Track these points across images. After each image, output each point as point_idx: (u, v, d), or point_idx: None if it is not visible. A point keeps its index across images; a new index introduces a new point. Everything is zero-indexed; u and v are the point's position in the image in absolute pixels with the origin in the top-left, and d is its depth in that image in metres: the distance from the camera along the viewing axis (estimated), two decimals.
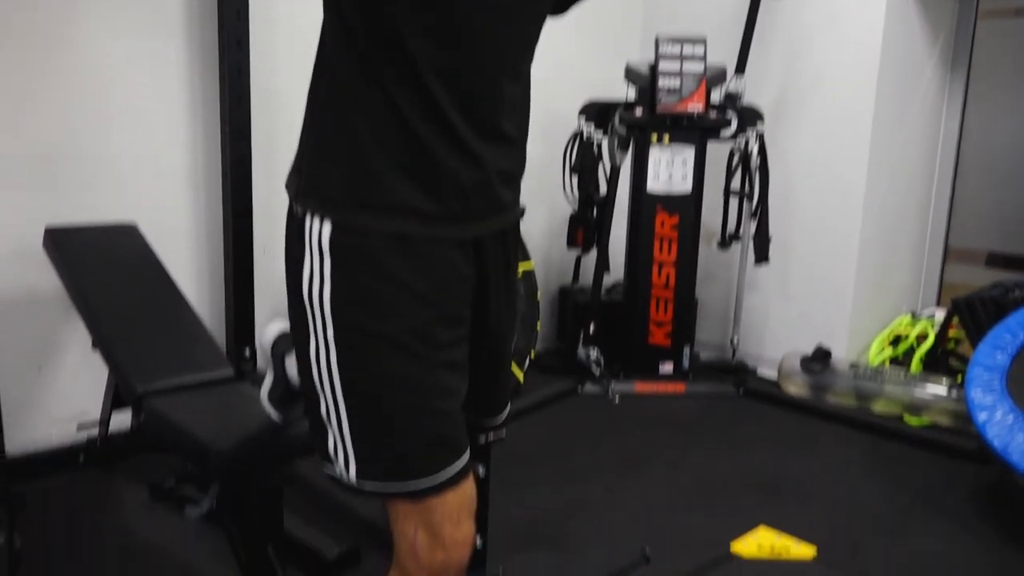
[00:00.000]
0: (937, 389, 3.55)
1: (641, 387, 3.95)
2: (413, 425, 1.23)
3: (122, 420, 2.91)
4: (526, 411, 3.64)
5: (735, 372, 4.13)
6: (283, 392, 1.99)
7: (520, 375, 3.77)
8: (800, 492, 2.96)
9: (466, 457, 1.27)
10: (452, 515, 1.24)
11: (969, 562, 2.49)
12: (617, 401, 3.85)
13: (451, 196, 1.23)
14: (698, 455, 3.28)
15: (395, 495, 1.23)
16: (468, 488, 1.27)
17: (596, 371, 3.97)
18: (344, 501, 2.78)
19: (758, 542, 2.50)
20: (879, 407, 3.67)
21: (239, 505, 2.07)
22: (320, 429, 1.26)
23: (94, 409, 2.90)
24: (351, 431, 1.23)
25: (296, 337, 1.28)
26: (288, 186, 1.31)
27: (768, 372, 4.17)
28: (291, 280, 1.26)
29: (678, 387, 3.97)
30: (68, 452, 2.90)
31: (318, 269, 1.22)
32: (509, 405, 1.58)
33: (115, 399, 2.67)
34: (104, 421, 2.77)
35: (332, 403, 1.24)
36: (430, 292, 1.23)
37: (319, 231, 1.21)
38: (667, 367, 4.02)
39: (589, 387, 3.94)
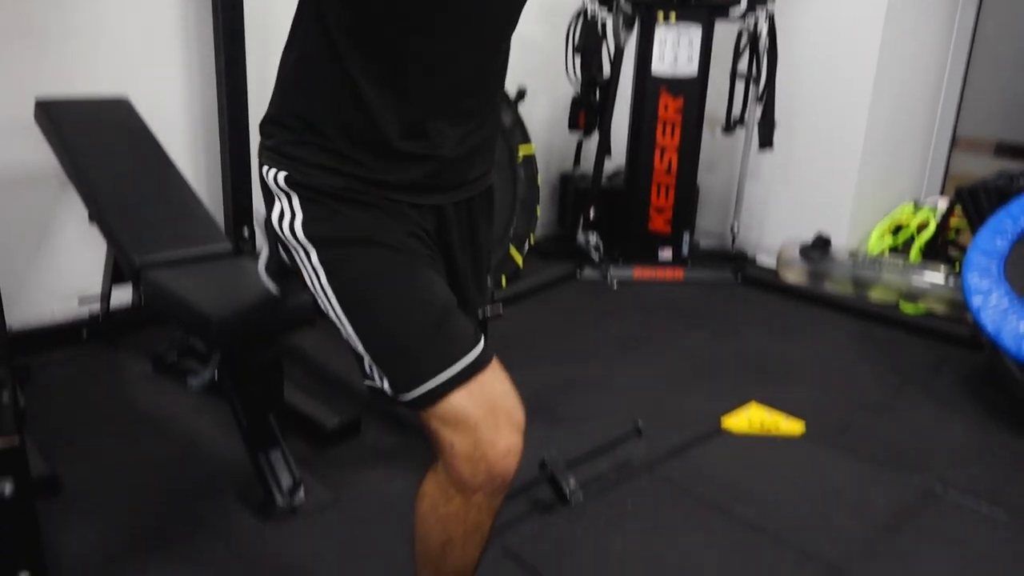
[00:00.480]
0: (935, 277, 3.56)
1: (640, 273, 3.97)
2: (408, 316, 1.23)
3: (123, 296, 2.94)
4: (524, 295, 3.67)
5: (734, 260, 4.14)
6: (278, 265, 2.00)
7: (519, 259, 3.78)
8: (792, 373, 3.02)
9: (478, 351, 1.22)
10: (487, 420, 1.19)
11: (953, 440, 2.56)
12: (615, 286, 3.87)
13: (406, 171, 1.27)
14: (693, 338, 3.33)
15: (422, 403, 1.21)
16: (496, 388, 1.22)
17: (595, 256, 3.98)
18: (345, 376, 2.84)
19: (748, 418, 2.56)
20: (876, 295, 3.69)
21: (240, 375, 2.11)
22: (355, 352, 1.29)
23: (95, 284, 2.93)
24: (365, 346, 1.25)
25: (300, 279, 1.33)
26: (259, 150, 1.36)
27: (767, 260, 4.18)
28: (273, 228, 1.32)
29: (676, 273, 3.98)
30: (70, 327, 2.94)
31: (287, 205, 1.28)
32: None
33: (115, 273, 2.70)
34: (105, 296, 2.80)
35: (342, 324, 1.27)
36: (391, 219, 1.27)
37: (276, 175, 1.29)
38: (666, 253, 4.03)
39: (588, 272, 3.96)
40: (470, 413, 1.20)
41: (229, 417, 2.31)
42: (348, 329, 1.26)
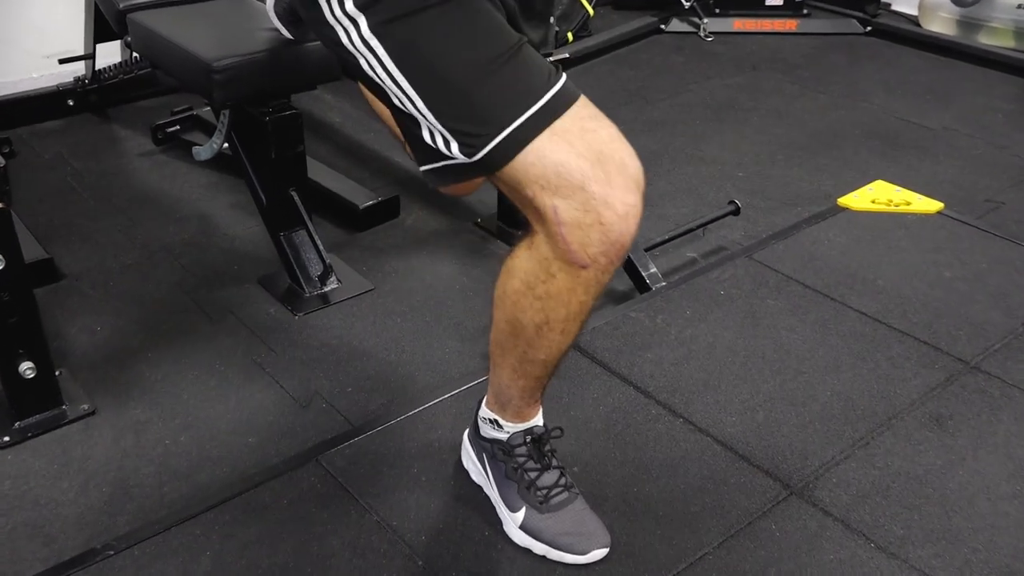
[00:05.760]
0: None
1: (741, 24, 3.79)
2: (473, 49, 1.15)
3: (111, 56, 2.92)
4: (597, 52, 3.55)
5: (862, 5, 3.91)
6: (288, 4, 1.93)
7: (589, 8, 3.61)
8: (930, 146, 2.90)
9: (561, 83, 1.15)
10: (595, 172, 1.12)
11: None
12: (710, 40, 3.73)
13: None
14: (806, 103, 3.20)
15: (504, 156, 1.14)
16: (598, 129, 1.15)
17: (685, 4, 3.80)
18: (380, 152, 2.82)
19: (872, 196, 2.48)
20: None
21: (253, 141, 2.09)
22: (410, 122, 1.21)
23: (77, 44, 2.89)
24: (424, 99, 1.17)
25: (342, 61, 1.24)
26: None
27: (906, 8, 3.93)
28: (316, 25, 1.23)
29: (788, 24, 3.80)
30: (54, 96, 2.94)
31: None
32: None
33: (98, 26, 2.65)
34: (89, 54, 2.78)
35: (394, 81, 1.18)
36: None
37: None
38: None
39: (676, 24, 3.81)
40: (572, 166, 1.12)
41: (245, 196, 2.33)
42: (402, 84, 1.18)
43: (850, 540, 1.48)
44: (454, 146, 1.17)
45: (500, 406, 1.46)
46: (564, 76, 1.18)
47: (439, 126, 1.17)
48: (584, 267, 1.18)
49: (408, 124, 1.22)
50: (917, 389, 1.81)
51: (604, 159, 1.14)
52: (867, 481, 1.59)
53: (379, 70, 1.18)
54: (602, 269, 1.19)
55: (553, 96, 1.14)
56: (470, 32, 1.16)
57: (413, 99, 1.17)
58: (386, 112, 1.32)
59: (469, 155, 1.16)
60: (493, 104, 1.14)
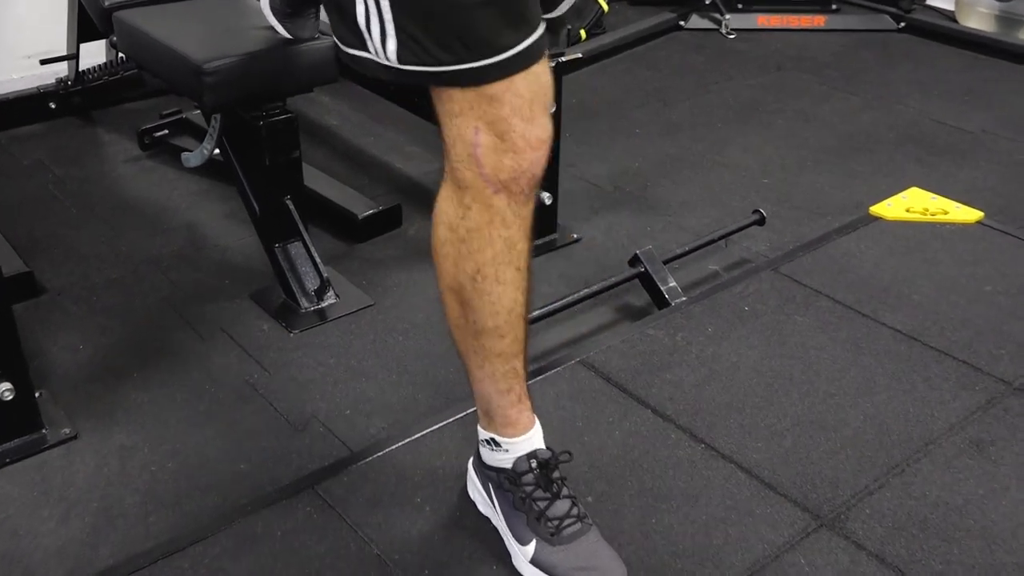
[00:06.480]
0: None
1: (765, 20, 3.81)
2: None
3: (96, 56, 2.93)
4: (612, 51, 3.56)
5: (896, 0, 3.92)
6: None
7: (604, 3, 3.63)
8: (968, 150, 2.90)
9: (539, 32, 1.21)
10: (523, 109, 1.22)
11: None
12: (733, 37, 3.74)
13: None
14: (836, 105, 3.20)
15: (447, 79, 1.20)
16: (542, 74, 1.24)
17: None
18: (381, 157, 2.82)
19: (907, 205, 2.48)
20: None
21: (246, 146, 2.09)
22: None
23: (60, 44, 2.91)
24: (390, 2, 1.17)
25: None
26: None
27: (942, 3, 3.94)
28: None
29: (816, 20, 3.82)
30: (35, 98, 2.96)
31: None
32: None
33: (81, 24, 2.67)
34: (72, 54, 2.80)
35: None
36: None
37: None
38: None
39: (696, 20, 3.83)
40: (507, 101, 1.20)
41: (237, 205, 2.34)
42: None
43: (885, 575, 1.48)
44: (391, 44, 1.18)
45: (487, 416, 1.46)
46: (543, 25, 1.23)
47: (389, 18, 1.17)
48: (495, 191, 1.25)
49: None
50: (956, 412, 1.80)
51: (535, 100, 1.23)
52: (903, 512, 1.58)
53: None
54: (513, 198, 1.27)
55: (526, 48, 1.19)
56: None
57: None
58: None
59: (403, 62, 1.19)
60: (463, 33, 1.16)
